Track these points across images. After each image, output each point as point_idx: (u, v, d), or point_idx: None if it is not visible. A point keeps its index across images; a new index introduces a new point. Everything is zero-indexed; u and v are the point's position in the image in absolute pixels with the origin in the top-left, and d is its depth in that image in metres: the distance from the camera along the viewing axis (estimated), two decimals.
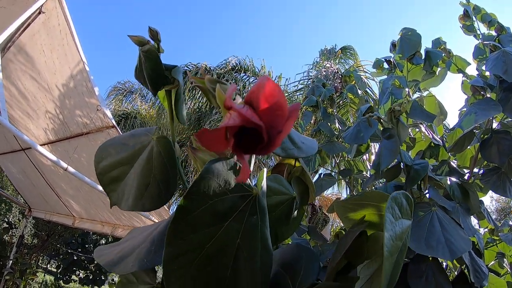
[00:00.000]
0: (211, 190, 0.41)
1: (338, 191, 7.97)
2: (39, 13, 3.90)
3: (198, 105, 7.92)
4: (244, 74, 8.03)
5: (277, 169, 0.73)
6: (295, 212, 0.65)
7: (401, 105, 1.07)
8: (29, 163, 5.78)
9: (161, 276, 0.63)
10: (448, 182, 1.11)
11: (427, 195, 1.14)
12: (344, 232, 1.36)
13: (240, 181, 0.42)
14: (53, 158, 3.12)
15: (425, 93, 1.74)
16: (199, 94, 7.80)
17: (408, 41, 1.55)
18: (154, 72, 0.62)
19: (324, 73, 6.18)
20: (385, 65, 1.75)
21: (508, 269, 1.77)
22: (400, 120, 1.08)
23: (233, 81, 7.64)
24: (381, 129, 1.18)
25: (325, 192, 7.82)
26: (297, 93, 7.40)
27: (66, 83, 4.05)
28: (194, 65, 7.88)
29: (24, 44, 4.20)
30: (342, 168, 1.84)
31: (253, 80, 8.06)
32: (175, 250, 0.40)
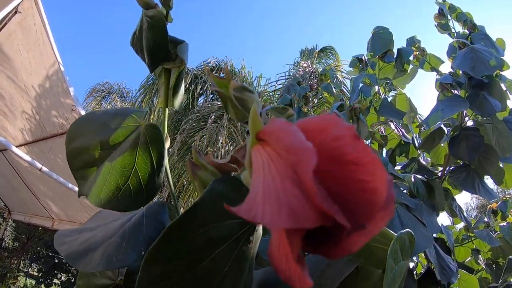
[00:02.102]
0: (211, 215, 0.35)
1: None
2: (15, 12, 3.86)
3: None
4: (223, 74, 7.95)
5: None
6: None
7: (360, 102, 1.06)
8: (7, 165, 5.70)
9: (124, 272, 0.61)
10: (412, 179, 1.11)
11: None
12: None
13: None
14: (28, 158, 3.08)
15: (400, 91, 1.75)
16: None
17: (379, 39, 1.56)
18: (156, 43, 0.53)
19: (301, 72, 6.20)
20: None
21: (483, 266, 1.78)
22: (360, 118, 1.08)
23: (210, 82, 7.57)
24: None
25: None
26: (277, 93, 7.41)
27: (42, 84, 4.02)
28: None
29: (1, 44, 4.15)
30: None
31: None
32: (154, 274, 0.34)
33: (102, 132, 0.53)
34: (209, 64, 7.95)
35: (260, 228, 0.41)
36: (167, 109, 0.57)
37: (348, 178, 0.20)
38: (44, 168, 3.11)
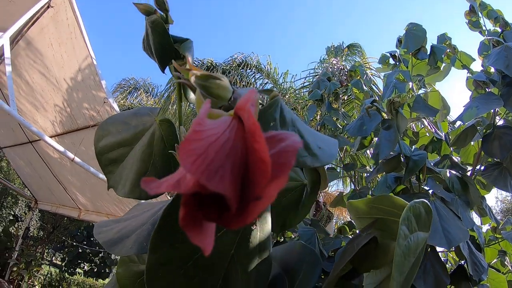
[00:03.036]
0: None
1: (344, 188, 7.93)
2: (48, 7, 3.95)
3: None
4: (250, 70, 8.02)
5: None
6: (305, 200, 0.60)
7: (400, 96, 1.07)
8: (36, 156, 5.84)
9: None
10: (448, 175, 1.12)
11: (427, 187, 1.15)
12: (347, 228, 1.37)
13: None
14: (61, 148, 3.15)
15: (429, 89, 1.75)
16: None
17: (413, 36, 1.56)
18: (161, 46, 0.56)
19: (330, 69, 6.17)
20: (391, 61, 1.76)
21: (510, 268, 1.77)
22: (399, 112, 1.09)
23: (239, 77, 7.60)
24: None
25: (329, 189, 7.80)
26: (304, 90, 7.40)
27: (74, 77, 4.09)
28: (200, 60, 7.86)
29: (32, 38, 4.24)
30: (346, 163, 1.86)
31: (259, 77, 8.05)
32: (160, 258, 0.36)
33: (123, 130, 0.58)
34: (236, 60, 7.98)
35: (265, 211, 0.42)
36: (182, 104, 0.60)
37: (250, 148, 0.21)
38: (77, 159, 3.18)
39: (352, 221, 1.41)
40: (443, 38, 1.75)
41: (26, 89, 4.80)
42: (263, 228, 0.42)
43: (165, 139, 0.56)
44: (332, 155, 0.46)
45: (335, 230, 1.44)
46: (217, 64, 7.87)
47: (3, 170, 11.95)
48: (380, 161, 1.17)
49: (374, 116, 1.20)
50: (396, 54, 1.65)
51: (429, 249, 0.97)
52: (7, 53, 3.49)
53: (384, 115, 1.27)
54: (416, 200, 0.42)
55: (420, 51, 1.55)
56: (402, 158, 1.14)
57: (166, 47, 0.56)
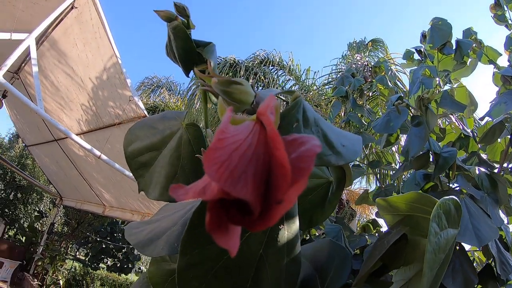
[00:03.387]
0: None
1: (367, 185, 7.83)
2: (72, 8, 4.01)
3: None
4: (272, 67, 8.00)
5: None
6: (331, 197, 0.61)
7: (429, 92, 1.06)
8: (61, 154, 5.96)
9: None
10: (477, 172, 1.11)
11: (455, 185, 1.14)
12: (371, 226, 1.37)
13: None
14: (88, 146, 3.21)
15: (456, 84, 1.72)
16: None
17: (438, 30, 1.53)
18: (184, 50, 0.57)
19: (354, 65, 6.08)
20: (416, 56, 1.73)
21: None
22: (429, 108, 1.07)
23: (262, 74, 7.58)
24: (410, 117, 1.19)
25: (352, 186, 7.72)
26: (326, 87, 7.33)
27: (99, 76, 4.15)
28: (223, 58, 7.83)
29: (57, 39, 4.32)
30: (371, 160, 1.84)
31: (281, 73, 8.01)
32: (190, 260, 0.37)
33: (152, 135, 0.59)
34: (258, 57, 7.96)
35: (292, 209, 0.42)
36: (207, 105, 0.60)
37: (272, 155, 0.22)
38: (103, 156, 3.24)
39: (376, 218, 1.40)
40: (469, 33, 1.71)
41: (51, 89, 4.90)
42: (291, 227, 0.42)
43: (192, 143, 0.56)
44: (356, 152, 0.45)
45: (358, 228, 1.43)
46: (240, 61, 7.85)
47: (28, 167, 12.23)
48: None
49: (402, 112, 1.19)
50: (422, 49, 1.63)
51: (457, 247, 0.96)
52: (33, 53, 3.57)
53: (412, 111, 1.26)
54: (446, 197, 0.43)
55: (446, 46, 1.52)
56: (431, 155, 1.13)
57: (189, 52, 0.58)
